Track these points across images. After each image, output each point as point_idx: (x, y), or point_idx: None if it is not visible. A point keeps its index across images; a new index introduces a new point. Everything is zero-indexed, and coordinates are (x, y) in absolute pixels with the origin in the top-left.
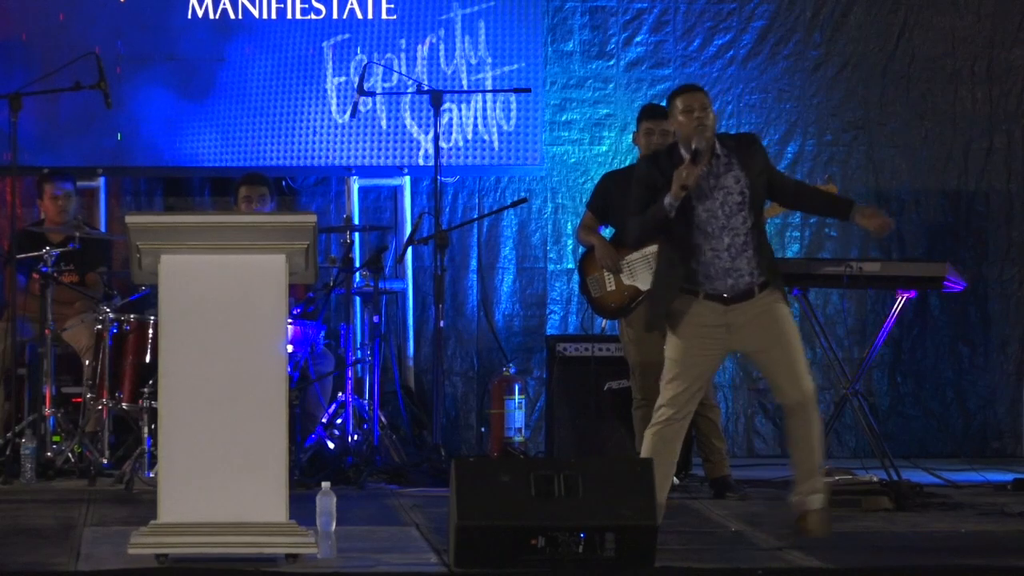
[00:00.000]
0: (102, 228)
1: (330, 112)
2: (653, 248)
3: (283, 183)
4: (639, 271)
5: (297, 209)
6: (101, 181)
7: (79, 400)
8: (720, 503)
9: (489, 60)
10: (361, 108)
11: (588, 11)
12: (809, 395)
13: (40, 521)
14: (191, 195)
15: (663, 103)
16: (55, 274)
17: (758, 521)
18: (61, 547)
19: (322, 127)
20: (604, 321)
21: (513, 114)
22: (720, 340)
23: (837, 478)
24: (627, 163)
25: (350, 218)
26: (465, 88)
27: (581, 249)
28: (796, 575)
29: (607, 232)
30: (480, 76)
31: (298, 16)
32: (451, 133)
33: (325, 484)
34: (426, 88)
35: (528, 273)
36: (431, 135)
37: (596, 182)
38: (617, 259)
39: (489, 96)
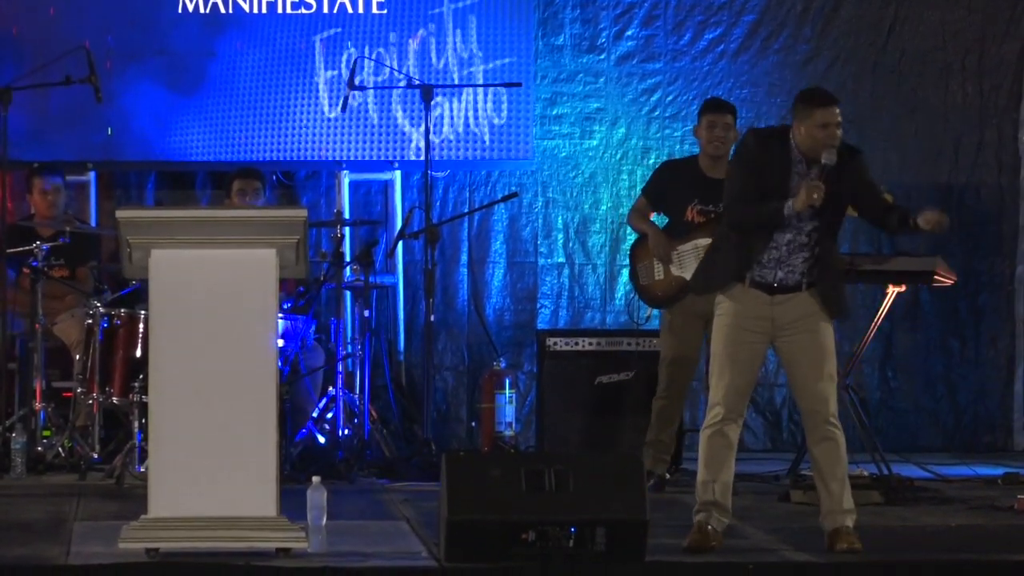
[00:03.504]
0: (92, 223)
1: (321, 106)
2: (705, 240)
3: (274, 176)
4: (688, 262)
5: (298, 200)
6: (91, 176)
7: (69, 395)
8: None
9: (480, 54)
10: (352, 102)
11: (579, 5)
12: (829, 413)
13: (30, 515)
14: (182, 189)
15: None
16: (45, 268)
17: (748, 515)
18: (52, 541)
19: (313, 121)
20: (600, 319)
21: (504, 108)
22: (765, 333)
23: None
24: (617, 156)
25: (340, 212)
26: (456, 82)
27: (574, 243)
28: (786, 570)
29: (659, 221)
30: (471, 70)
31: (288, 10)
32: (442, 127)
33: (316, 478)
34: (417, 82)
35: (519, 267)
36: (422, 129)
37: (654, 168)
38: (669, 249)
39: (480, 90)
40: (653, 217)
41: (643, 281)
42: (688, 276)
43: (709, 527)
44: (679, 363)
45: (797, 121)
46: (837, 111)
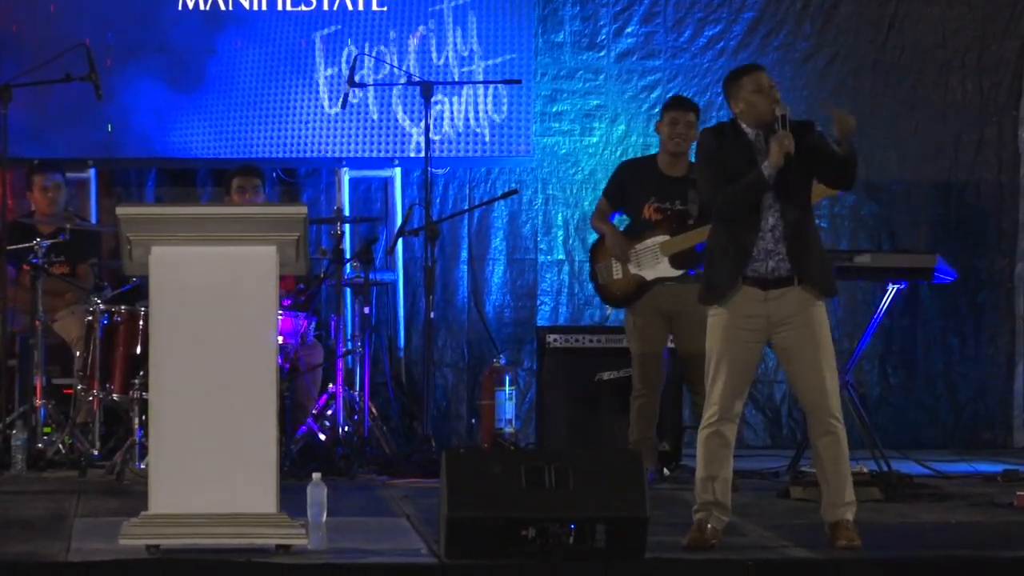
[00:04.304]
0: (93, 220)
1: (321, 103)
2: (662, 238)
3: (273, 173)
4: (646, 261)
5: (299, 198)
6: (92, 173)
7: (70, 391)
8: None
9: (479, 51)
10: (352, 100)
11: (579, 2)
12: (830, 406)
13: (31, 512)
14: (182, 186)
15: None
16: (45, 265)
17: (748, 512)
18: (52, 538)
19: (313, 119)
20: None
21: (504, 105)
22: (761, 331)
23: None
24: (617, 153)
25: (341, 209)
26: (456, 80)
27: (574, 240)
28: (786, 566)
29: (621, 221)
30: (471, 67)
31: (288, 7)
32: (442, 124)
33: (316, 475)
34: (416, 80)
35: (518, 264)
36: (422, 126)
37: (613, 170)
38: (627, 248)
39: (480, 87)
40: (614, 217)
41: (602, 280)
42: (646, 274)
43: (709, 525)
44: (647, 361)
45: (732, 101)
46: (763, 72)
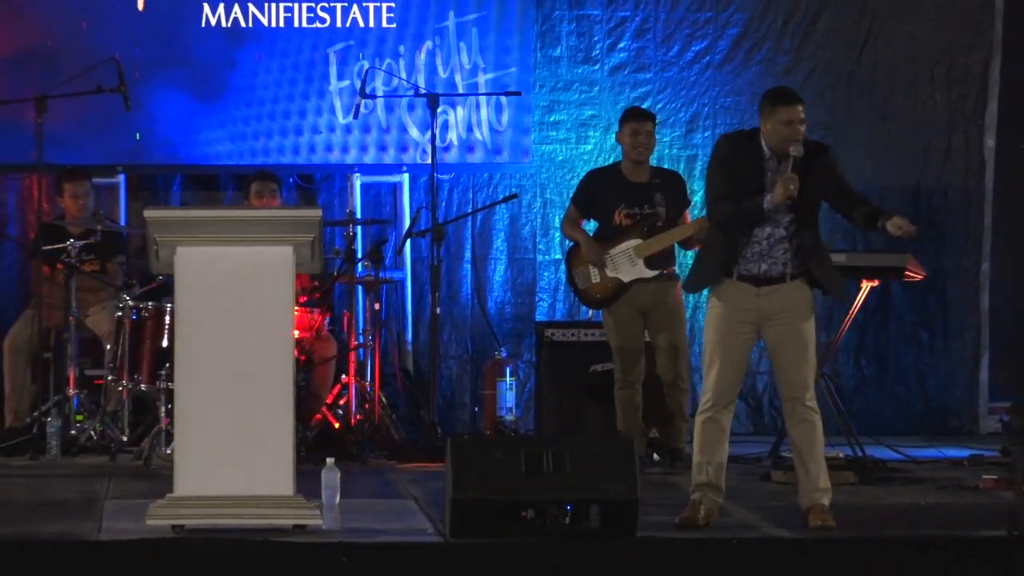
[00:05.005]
0: (122, 222)
1: (335, 114)
2: (634, 242)
3: (290, 179)
4: (622, 264)
5: (316, 201)
6: (121, 178)
7: (101, 382)
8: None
9: (482, 65)
10: (363, 110)
11: (575, 19)
12: (807, 397)
13: (65, 494)
14: (205, 191)
15: (642, 105)
16: (78, 264)
17: (732, 495)
18: (84, 518)
19: (327, 128)
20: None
21: (505, 115)
22: (753, 323)
23: None
24: (611, 160)
25: (353, 212)
26: (460, 91)
27: (568, 242)
28: (768, 545)
29: (590, 226)
30: (474, 80)
31: (304, 24)
32: (447, 133)
33: (329, 460)
34: (423, 91)
35: (519, 263)
36: (428, 135)
37: (581, 178)
38: (601, 254)
39: (482, 99)
40: (584, 224)
41: (581, 286)
42: (623, 276)
43: (703, 506)
44: (627, 355)
45: (763, 118)
46: (800, 108)
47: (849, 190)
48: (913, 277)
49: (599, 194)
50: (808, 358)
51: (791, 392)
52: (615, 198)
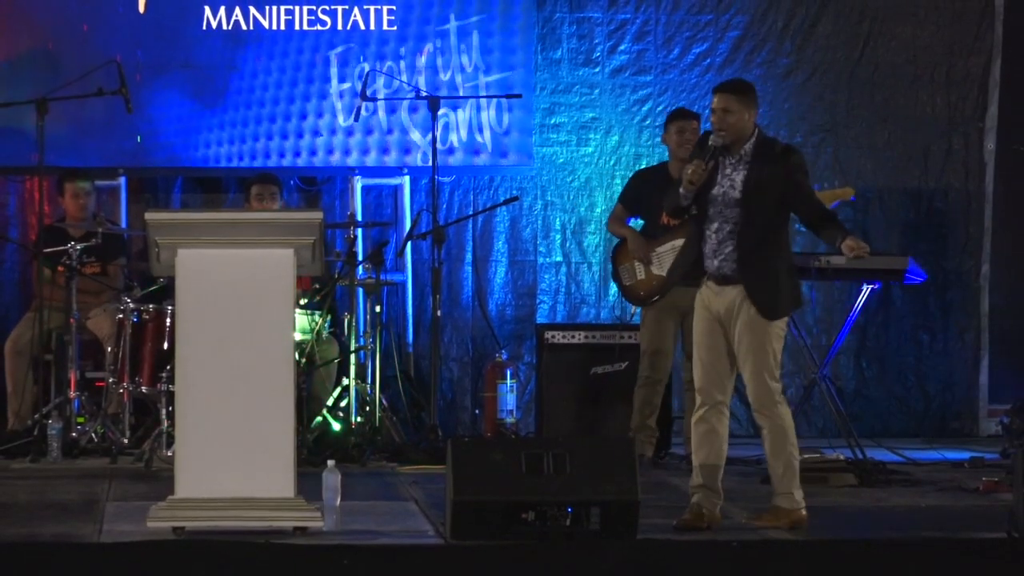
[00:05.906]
0: (123, 224)
1: (335, 116)
2: (681, 240)
3: (292, 181)
4: (667, 261)
5: (318, 204)
6: (122, 180)
7: (102, 384)
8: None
9: (483, 68)
10: (364, 113)
11: (575, 21)
12: (759, 404)
13: (66, 496)
14: (206, 193)
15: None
16: (78, 266)
17: (732, 496)
18: (85, 520)
19: (328, 130)
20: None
21: (505, 118)
22: (718, 323)
23: (805, 456)
24: (611, 162)
25: (354, 215)
26: (461, 94)
27: (571, 243)
28: (768, 547)
29: (636, 224)
30: (475, 83)
31: (305, 27)
32: (448, 135)
33: (330, 462)
34: (424, 94)
35: (519, 266)
36: (429, 138)
37: (627, 179)
38: (648, 250)
39: (483, 101)
40: (630, 222)
41: (627, 282)
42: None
43: (703, 509)
44: (656, 354)
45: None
46: (720, 98)
47: (810, 202)
48: (913, 279)
49: (647, 193)
50: (754, 364)
51: (749, 398)
52: (662, 197)
